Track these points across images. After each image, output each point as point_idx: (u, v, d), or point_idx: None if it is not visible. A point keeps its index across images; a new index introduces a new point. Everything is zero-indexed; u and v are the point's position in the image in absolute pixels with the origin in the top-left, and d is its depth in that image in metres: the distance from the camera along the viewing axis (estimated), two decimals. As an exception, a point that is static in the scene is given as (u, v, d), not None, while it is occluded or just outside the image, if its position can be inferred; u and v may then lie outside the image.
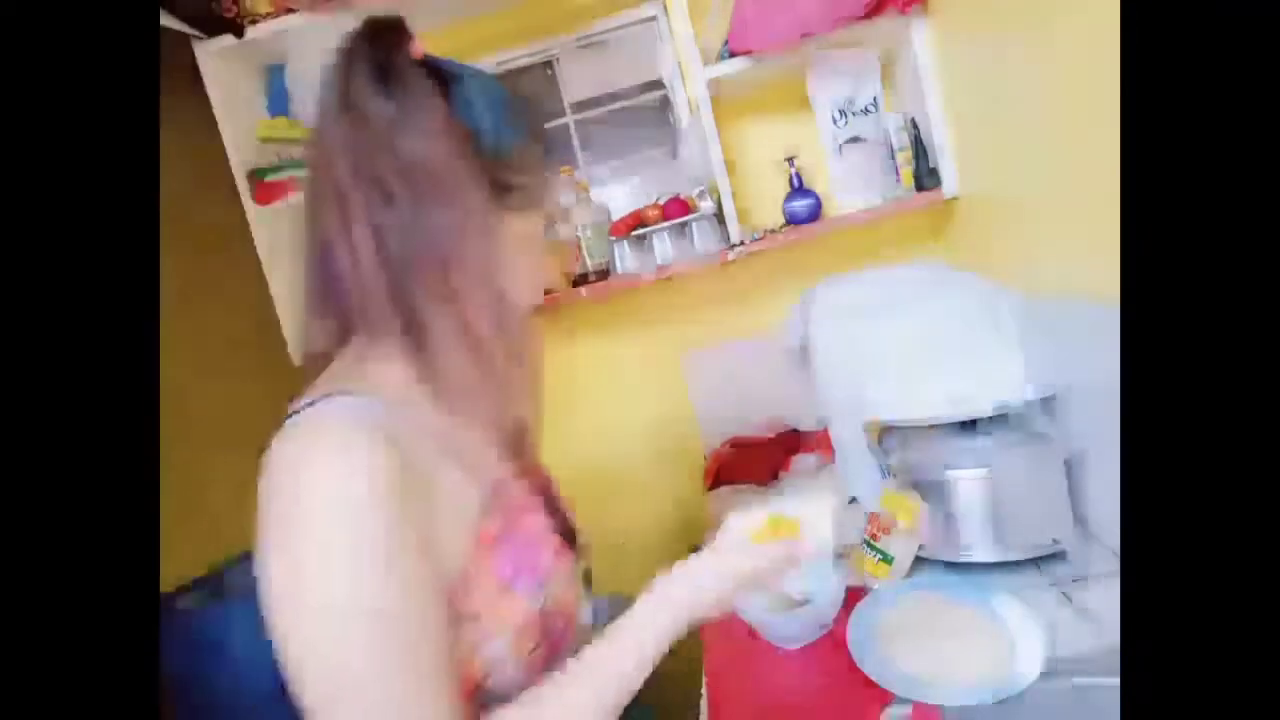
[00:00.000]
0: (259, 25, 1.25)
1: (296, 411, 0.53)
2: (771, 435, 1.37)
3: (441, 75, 0.55)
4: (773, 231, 1.27)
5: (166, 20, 1.18)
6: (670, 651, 0.57)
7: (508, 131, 0.56)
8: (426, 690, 0.48)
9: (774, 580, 0.63)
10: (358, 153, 0.51)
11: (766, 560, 0.59)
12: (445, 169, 0.52)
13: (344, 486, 0.47)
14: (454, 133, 0.53)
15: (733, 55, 1.18)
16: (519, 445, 0.66)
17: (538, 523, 0.63)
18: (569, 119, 1.55)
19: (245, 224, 1.32)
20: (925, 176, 1.18)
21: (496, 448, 0.63)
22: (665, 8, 1.44)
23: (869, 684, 0.70)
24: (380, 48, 0.53)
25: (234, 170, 1.30)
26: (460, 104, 0.54)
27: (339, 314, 0.56)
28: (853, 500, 1.13)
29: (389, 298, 0.52)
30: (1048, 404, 0.95)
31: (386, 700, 0.47)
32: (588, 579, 0.72)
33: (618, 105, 1.54)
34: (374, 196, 0.51)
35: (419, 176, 0.51)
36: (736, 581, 0.59)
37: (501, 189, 0.56)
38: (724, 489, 1.30)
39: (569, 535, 0.68)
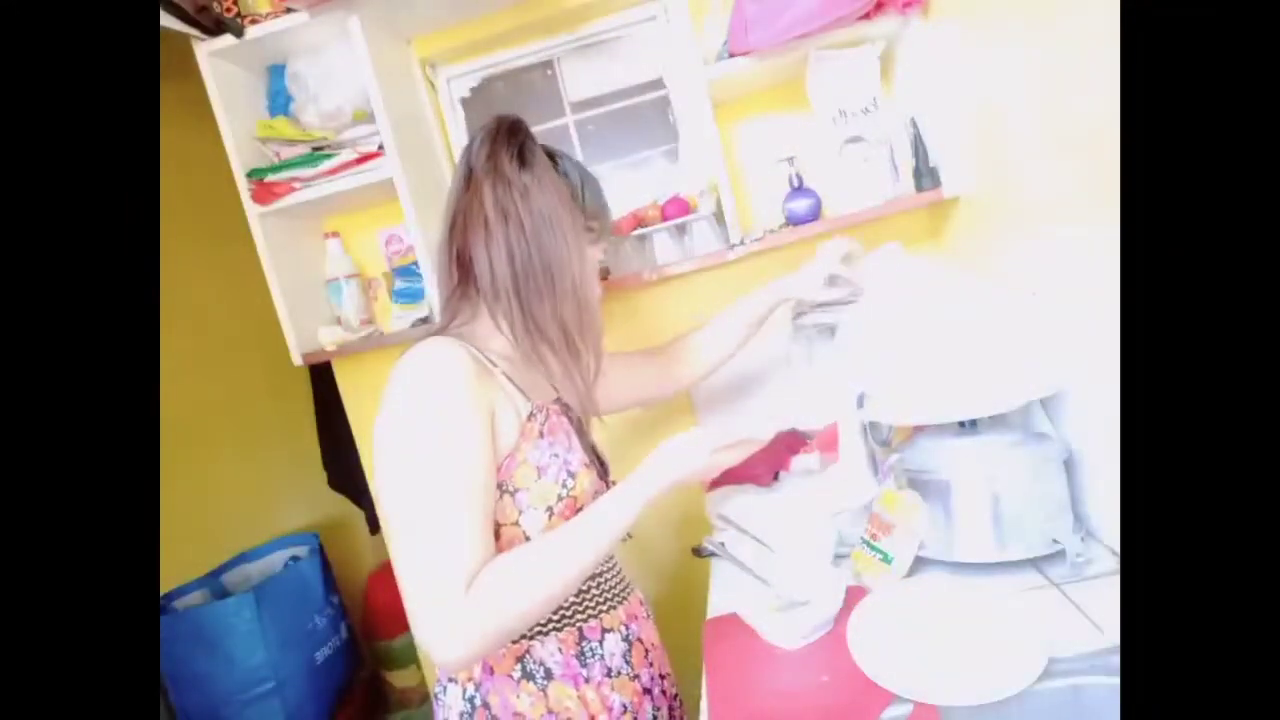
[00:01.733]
0: (259, 25, 1.25)
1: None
2: (772, 435, 1.37)
3: (550, 152, 0.84)
4: (773, 231, 1.27)
5: (166, 20, 1.18)
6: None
7: (590, 191, 0.87)
8: (472, 513, 0.69)
9: (736, 456, 0.82)
10: (503, 201, 0.78)
11: (726, 434, 0.79)
12: (559, 215, 0.79)
13: (433, 370, 0.72)
14: (563, 191, 0.82)
15: (733, 55, 1.18)
16: (579, 396, 0.88)
17: (570, 438, 0.82)
18: (569, 119, 1.55)
19: (245, 224, 1.32)
20: (925, 176, 1.18)
21: (553, 388, 0.86)
22: (665, 8, 1.44)
23: (869, 684, 0.70)
24: (517, 138, 0.81)
25: (234, 170, 1.30)
26: (564, 172, 0.84)
27: (467, 295, 0.84)
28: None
29: (513, 294, 0.78)
30: (1048, 404, 0.95)
31: (445, 524, 0.68)
32: None
33: (618, 105, 1.54)
34: (512, 229, 0.78)
35: (542, 219, 0.78)
36: (699, 449, 0.78)
37: (586, 229, 0.85)
38: (724, 489, 1.30)
39: (599, 463, 0.89)
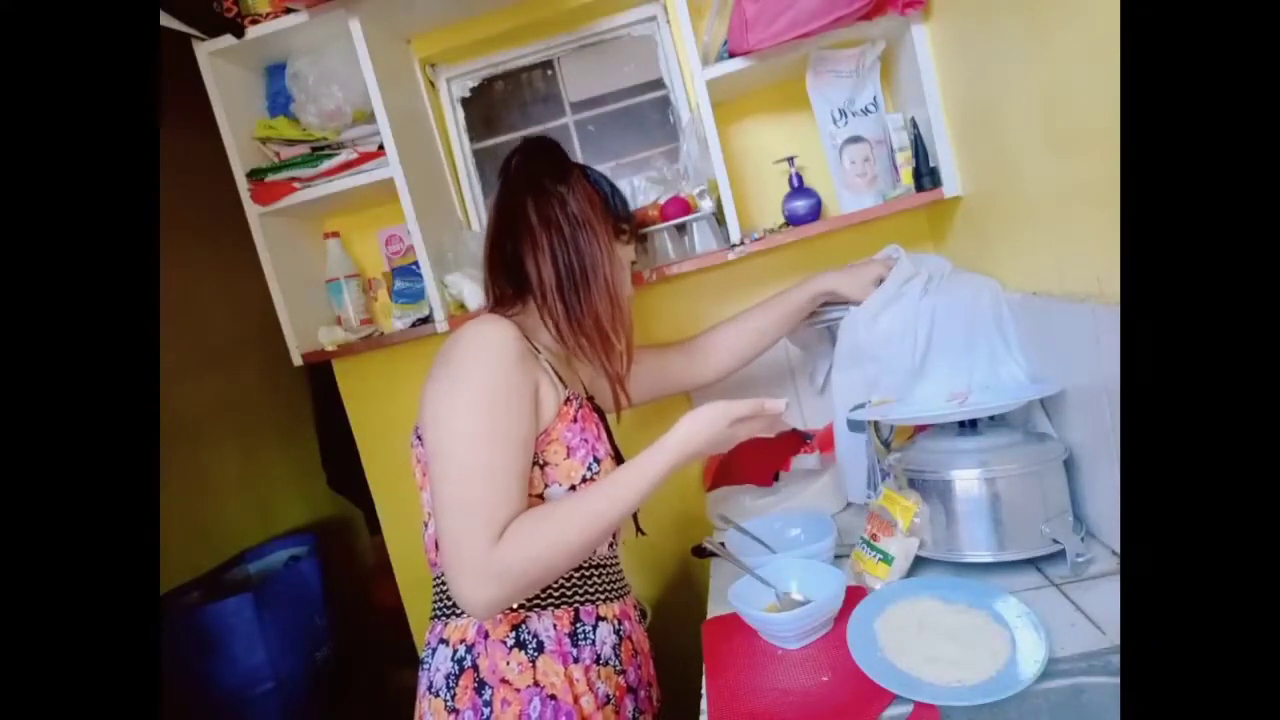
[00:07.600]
0: (259, 25, 1.25)
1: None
2: (772, 435, 1.37)
3: (580, 166, 0.94)
4: (773, 231, 1.27)
5: (166, 20, 1.18)
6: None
7: (618, 198, 0.97)
8: (514, 468, 0.76)
9: (753, 429, 0.84)
10: (543, 210, 0.88)
11: (743, 406, 0.81)
12: (593, 219, 0.89)
13: (486, 340, 0.80)
14: (594, 198, 0.91)
15: (733, 55, 1.18)
16: (613, 382, 0.96)
17: (599, 430, 0.91)
18: (569, 119, 1.55)
19: (245, 224, 1.32)
20: (925, 176, 1.18)
21: (583, 386, 0.96)
22: (665, 8, 1.44)
23: (869, 684, 0.70)
24: (551, 155, 0.92)
25: (234, 170, 1.30)
26: (594, 181, 0.94)
27: (519, 292, 0.94)
28: (847, 505, 1.14)
29: (558, 294, 0.88)
30: (1048, 404, 0.95)
31: (487, 469, 0.74)
32: None
33: (618, 105, 1.54)
34: (553, 234, 0.88)
35: (578, 223, 0.88)
36: (721, 420, 0.81)
37: (616, 231, 0.95)
38: (724, 489, 1.30)
39: (618, 456, 0.95)
